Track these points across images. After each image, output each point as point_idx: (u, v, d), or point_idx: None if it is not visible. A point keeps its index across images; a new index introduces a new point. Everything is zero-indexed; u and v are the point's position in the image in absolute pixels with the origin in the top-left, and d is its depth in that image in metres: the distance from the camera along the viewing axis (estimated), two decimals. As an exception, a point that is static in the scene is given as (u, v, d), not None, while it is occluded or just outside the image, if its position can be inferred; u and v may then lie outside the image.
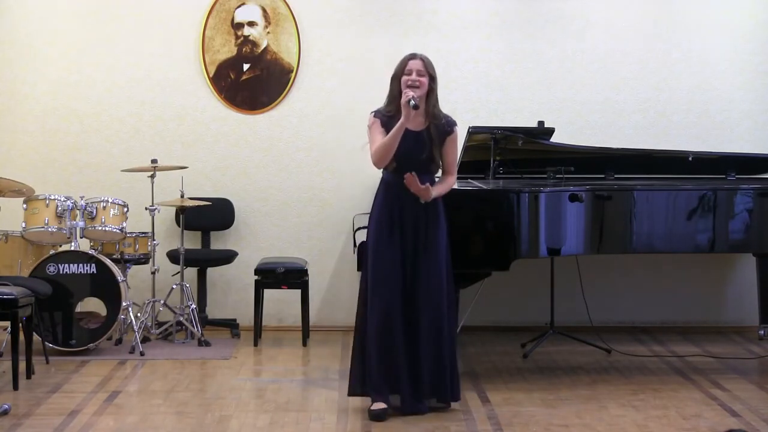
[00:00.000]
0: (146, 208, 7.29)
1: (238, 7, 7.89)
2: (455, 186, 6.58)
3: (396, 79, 5.54)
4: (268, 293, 7.55)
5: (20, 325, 6.12)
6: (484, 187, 6.46)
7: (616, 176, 7.21)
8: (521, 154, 7.11)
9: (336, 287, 7.95)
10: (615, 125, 7.98)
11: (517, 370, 6.63)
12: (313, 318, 7.71)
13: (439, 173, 5.71)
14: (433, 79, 5.52)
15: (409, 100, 5.38)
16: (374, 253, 5.55)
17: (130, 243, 7.31)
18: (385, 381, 5.50)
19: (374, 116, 5.57)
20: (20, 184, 6.85)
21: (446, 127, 5.58)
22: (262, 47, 7.90)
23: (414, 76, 5.46)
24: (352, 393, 5.68)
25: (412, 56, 5.54)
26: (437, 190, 5.56)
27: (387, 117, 5.53)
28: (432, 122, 5.55)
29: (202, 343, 7.20)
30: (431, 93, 5.53)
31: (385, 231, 5.52)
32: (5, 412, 5.40)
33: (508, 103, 7.94)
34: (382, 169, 5.62)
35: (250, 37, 7.90)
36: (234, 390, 6.09)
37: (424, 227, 5.52)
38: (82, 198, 7.14)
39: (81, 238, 7.11)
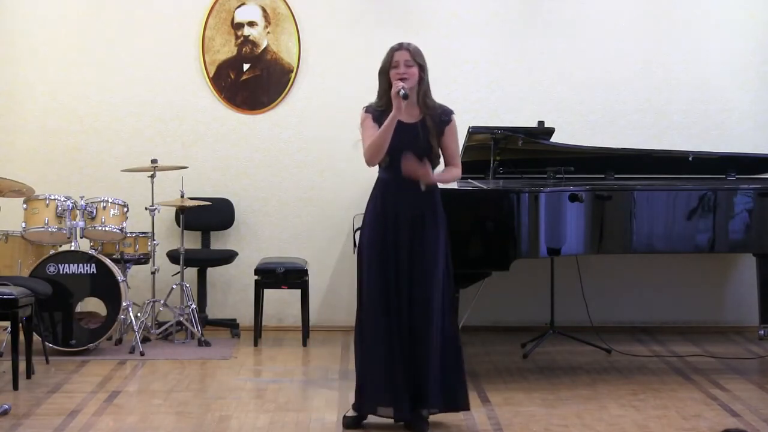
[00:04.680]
0: (146, 208, 7.29)
1: (238, 7, 7.88)
2: (455, 186, 6.59)
3: (384, 72, 5.23)
4: (268, 293, 7.54)
5: (20, 325, 6.11)
6: (484, 187, 6.45)
7: (616, 176, 7.21)
8: (521, 154, 7.11)
9: (336, 287, 7.94)
10: (615, 125, 7.97)
11: (517, 370, 6.63)
12: (313, 318, 7.71)
13: (441, 167, 5.38)
14: (422, 68, 5.19)
15: (398, 91, 5.06)
16: (369, 256, 5.24)
17: (130, 243, 7.31)
18: (379, 391, 5.20)
19: (365, 111, 5.29)
20: (20, 184, 6.85)
21: (443, 116, 5.25)
22: (262, 47, 7.90)
23: (402, 69, 5.14)
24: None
25: (398, 47, 5.22)
26: (440, 177, 5.24)
27: (378, 112, 5.22)
28: (426, 113, 5.22)
29: (202, 343, 7.19)
30: (421, 82, 5.20)
31: (380, 233, 5.22)
32: (5, 412, 5.40)
33: (508, 103, 7.94)
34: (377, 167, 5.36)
35: (250, 37, 7.89)
36: (234, 390, 6.09)
37: (421, 228, 5.20)
38: (82, 198, 7.13)
39: (81, 238, 7.11)
